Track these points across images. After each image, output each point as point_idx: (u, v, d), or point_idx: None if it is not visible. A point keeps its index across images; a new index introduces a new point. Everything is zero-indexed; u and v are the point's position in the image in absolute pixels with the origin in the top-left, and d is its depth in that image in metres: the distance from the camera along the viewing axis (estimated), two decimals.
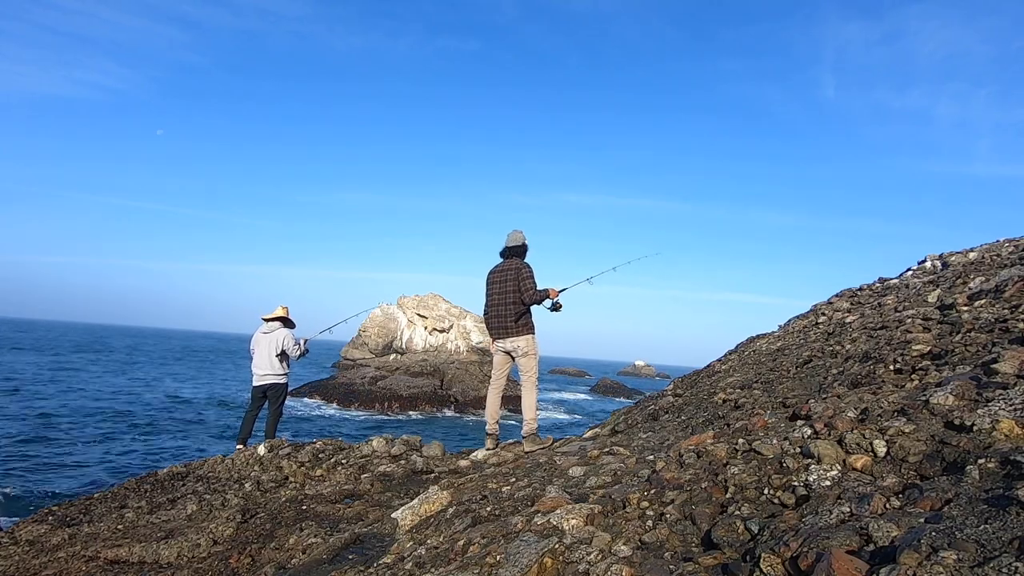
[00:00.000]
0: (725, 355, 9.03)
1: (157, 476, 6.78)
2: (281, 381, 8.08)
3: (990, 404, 2.44)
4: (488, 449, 6.19)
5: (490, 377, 6.40)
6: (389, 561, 3.08)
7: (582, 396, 57.80)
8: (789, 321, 9.28)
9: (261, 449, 6.93)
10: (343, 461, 6.52)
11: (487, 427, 6.34)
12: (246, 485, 6.00)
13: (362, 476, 5.98)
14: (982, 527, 1.56)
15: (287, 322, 8.19)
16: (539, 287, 6.02)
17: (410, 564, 2.84)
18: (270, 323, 8.04)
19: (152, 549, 4.54)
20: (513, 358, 6.20)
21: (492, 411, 6.32)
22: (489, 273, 6.30)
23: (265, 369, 7.97)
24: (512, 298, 6.03)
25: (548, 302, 6.09)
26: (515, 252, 6.23)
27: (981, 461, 1.99)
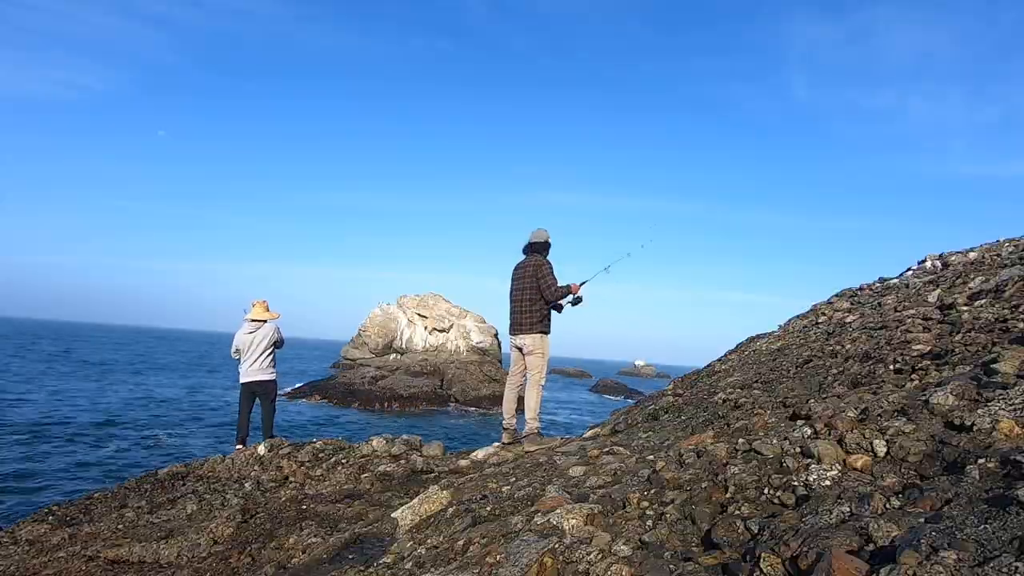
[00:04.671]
0: (725, 355, 9.02)
1: (157, 476, 6.77)
2: (270, 378, 8.05)
3: (990, 404, 2.44)
4: (504, 443, 6.25)
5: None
6: (389, 561, 3.07)
7: (582, 396, 57.79)
8: (789, 321, 9.27)
9: (261, 449, 6.93)
10: (343, 461, 6.51)
11: (503, 422, 6.50)
12: (246, 485, 6.00)
13: (362, 476, 5.98)
14: (982, 527, 1.56)
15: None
16: (560, 283, 6.02)
17: (410, 564, 2.84)
18: (253, 322, 7.95)
19: (152, 549, 4.55)
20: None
21: (508, 406, 6.44)
22: (513, 269, 6.32)
23: (255, 367, 7.93)
24: (529, 295, 6.03)
25: (570, 297, 6.09)
26: (536, 248, 6.21)
27: (981, 461, 2.00)
